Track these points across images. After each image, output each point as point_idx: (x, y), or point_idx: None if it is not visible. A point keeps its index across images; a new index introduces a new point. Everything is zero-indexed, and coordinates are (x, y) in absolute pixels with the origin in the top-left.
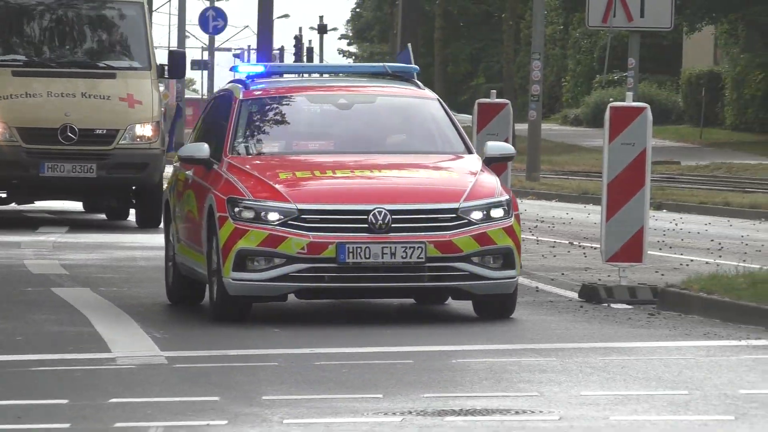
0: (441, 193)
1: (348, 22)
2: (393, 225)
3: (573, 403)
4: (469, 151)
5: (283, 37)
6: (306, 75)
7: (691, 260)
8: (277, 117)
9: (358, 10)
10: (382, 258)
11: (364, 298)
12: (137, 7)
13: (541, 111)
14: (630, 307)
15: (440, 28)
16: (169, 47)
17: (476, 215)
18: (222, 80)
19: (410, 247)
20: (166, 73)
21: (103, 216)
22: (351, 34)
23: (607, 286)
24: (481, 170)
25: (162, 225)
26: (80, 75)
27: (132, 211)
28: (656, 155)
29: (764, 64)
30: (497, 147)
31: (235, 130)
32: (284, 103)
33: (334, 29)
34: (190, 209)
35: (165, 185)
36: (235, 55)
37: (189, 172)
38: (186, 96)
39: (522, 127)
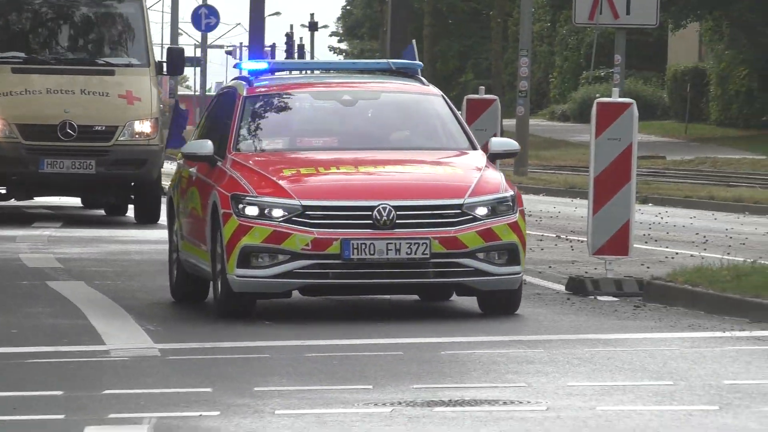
0: (445, 189)
1: (338, 19)
2: (397, 221)
3: (560, 393)
4: (474, 148)
5: (274, 34)
6: (309, 72)
7: (676, 253)
8: (281, 113)
9: (348, 7)
10: (387, 254)
11: (369, 296)
12: (136, 5)
13: (528, 107)
14: (616, 299)
15: (429, 25)
16: (162, 44)
17: (481, 211)
18: (214, 77)
19: (415, 243)
20: (164, 69)
21: (101, 212)
22: (341, 32)
23: (594, 279)
24: (486, 166)
25: (166, 222)
26: (79, 72)
27: (131, 207)
28: (642, 150)
29: (748, 60)
30: (502, 143)
31: (238, 127)
32: (288, 99)
33: (325, 26)
34: (193, 206)
35: (164, 182)
36: (228, 52)
37: (193, 169)
38: (179, 93)
39: (510, 123)
